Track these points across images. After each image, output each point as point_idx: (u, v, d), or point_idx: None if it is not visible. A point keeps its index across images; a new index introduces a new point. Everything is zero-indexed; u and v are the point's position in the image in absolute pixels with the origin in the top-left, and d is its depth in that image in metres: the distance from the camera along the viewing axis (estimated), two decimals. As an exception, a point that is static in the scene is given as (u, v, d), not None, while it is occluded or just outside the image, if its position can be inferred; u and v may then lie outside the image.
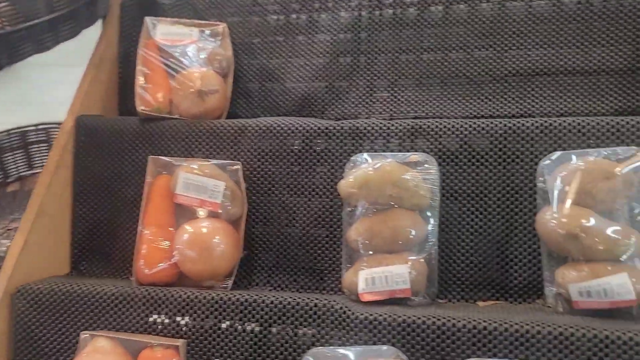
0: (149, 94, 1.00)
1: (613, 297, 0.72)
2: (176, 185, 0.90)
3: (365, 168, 0.85)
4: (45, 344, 0.87)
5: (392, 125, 0.92)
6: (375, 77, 1.07)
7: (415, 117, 1.03)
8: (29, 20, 1.01)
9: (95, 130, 1.03)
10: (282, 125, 0.96)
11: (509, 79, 1.00)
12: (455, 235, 0.87)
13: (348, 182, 0.84)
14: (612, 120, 0.83)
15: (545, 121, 0.86)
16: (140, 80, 1.02)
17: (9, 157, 1.55)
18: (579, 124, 0.84)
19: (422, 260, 0.82)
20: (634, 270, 0.73)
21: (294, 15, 1.13)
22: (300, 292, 0.91)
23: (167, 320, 0.83)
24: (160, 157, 0.94)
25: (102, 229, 1.02)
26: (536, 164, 0.83)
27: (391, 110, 1.05)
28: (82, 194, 1.03)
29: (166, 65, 1.03)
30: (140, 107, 1.00)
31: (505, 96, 1.00)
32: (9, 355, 0.88)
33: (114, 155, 1.02)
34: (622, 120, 0.83)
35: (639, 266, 0.75)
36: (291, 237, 0.94)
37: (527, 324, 0.70)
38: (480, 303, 0.85)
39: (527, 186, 0.85)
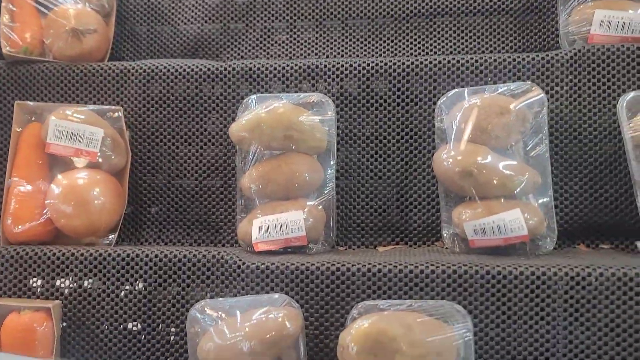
0: (16, 34, 0.89)
1: (507, 234, 0.71)
2: (47, 133, 0.80)
3: (257, 110, 0.79)
4: None
5: (289, 66, 0.86)
6: (273, 19, 1.00)
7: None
8: None
9: (-47, 75, 0.91)
10: (169, 68, 0.88)
11: (411, 19, 0.97)
12: (354, 180, 0.84)
13: (239, 126, 0.78)
14: (508, 57, 0.81)
15: (444, 59, 0.83)
16: (4, 18, 0.89)
17: None
18: (476, 61, 0.82)
19: (320, 206, 0.78)
20: (528, 206, 0.73)
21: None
22: (193, 247, 0.85)
23: (40, 282, 0.75)
24: (28, 102, 0.83)
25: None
26: (435, 103, 0.81)
27: (290, 52, 0.99)
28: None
29: (36, 1, 0.91)
30: (5, 49, 0.88)
31: (407, 37, 0.97)
32: None
33: (-23, 103, 0.90)
34: (519, 56, 0.81)
35: (533, 202, 0.74)
36: (182, 189, 0.87)
37: (421, 264, 0.68)
38: (380, 248, 0.82)
39: (426, 127, 0.83)
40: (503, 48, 0.94)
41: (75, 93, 0.88)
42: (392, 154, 0.83)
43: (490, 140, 0.74)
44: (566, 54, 0.80)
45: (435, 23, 0.96)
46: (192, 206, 0.87)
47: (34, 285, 0.76)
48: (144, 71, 0.88)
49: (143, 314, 0.73)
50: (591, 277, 0.64)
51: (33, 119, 0.83)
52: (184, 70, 0.87)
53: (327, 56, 0.98)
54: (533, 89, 0.75)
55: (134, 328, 0.74)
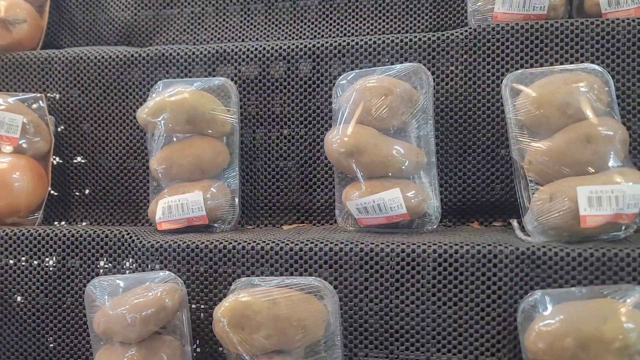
0: (-53, 24, 0.94)
1: (387, 212, 0.73)
2: (-31, 120, 0.86)
3: (163, 95, 0.82)
4: None
5: (198, 50, 0.89)
6: (203, 4, 1.03)
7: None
8: None
9: None
10: (90, 55, 0.92)
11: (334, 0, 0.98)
12: (261, 161, 0.87)
13: (144, 110, 0.82)
14: (405, 37, 0.82)
15: (342, 42, 0.84)
16: None
17: None
18: (374, 42, 0.83)
19: (222, 187, 0.82)
20: (410, 185, 0.74)
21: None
22: (116, 226, 0.90)
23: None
24: (-48, 91, 0.89)
25: None
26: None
27: (218, 36, 1.02)
28: None
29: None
30: None
31: (329, 18, 0.98)
32: None
33: None
34: (415, 36, 0.82)
35: (418, 182, 0.76)
36: (104, 170, 0.92)
37: (301, 242, 0.71)
38: (285, 226, 0.86)
39: (327, 108, 0.85)
40: (419, 27, 0.94)
41: (5, 81, 0.94)
42: (295, 135, 0.86)
43: (375, 122, 0.75)
44: (461, 34, 0.80)
45: (356, 4, 0.97)
46: (114, 187, 0.92)
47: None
48: (66, 58, 0.92)
49: (50, 286, 0.78)
50: (457, 254, 0.66)
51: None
52: (104, 57, 0.91)
53: (251, 39, 1.00)
54: (420, 69, 0.76)
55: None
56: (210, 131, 0.82)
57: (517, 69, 0.78)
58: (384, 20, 0.96)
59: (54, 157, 0.92)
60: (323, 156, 0.85)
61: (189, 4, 1.03)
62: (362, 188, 0.74)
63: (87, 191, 0.93)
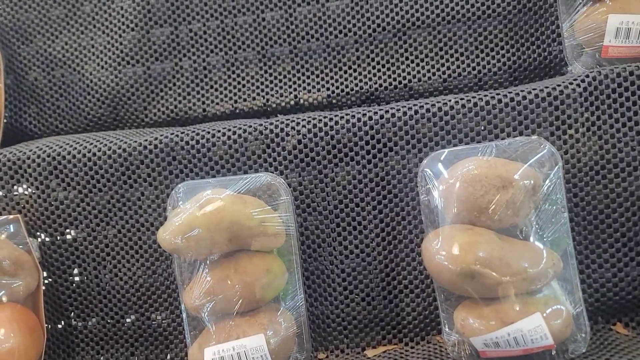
0: None
1: (526, 345, 0.55)
2: None
3: (190, 209, 0.60)
4: None
5: (233, 127, 0.67)
6: (207, 52, 0.80)
7: (265, 106, 0.79)
8: None
9: None
10: (74, 152, 0.69)
11: (376, 37, 0.77)
12: (325, 260, 0.67)
13: (169, 232, 0.60)
14: (505, 95, 0.62)
15: (426, 104, 0.64)
16: None
17: None
18: (468, 101, 0.63)
19: (286, 315, 0.62)
20: (550, 300, 0.56)
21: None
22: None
23: None
24: None
25: None
26: (418, 154, 0.63)
27: (232, 97, 0.80)
28: None
29: None
30: None
31: (372, 59, 0.77)
32: None
33: None
34: (518, 93, 0.62)
35: (556, 288, 0.58)
36: (117, 300, 0.70)
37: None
38: (370, 352, 0.66)
39: (408, 196, 0.65)
40: (494, 65, 0.75)
41: (-38, 197, 0.70)
42: (369, 225, 0.66)
43: (491, 223, 0.56)
44: (578, 86, 0.61)
45: (405, 40, 0.76)
46: (129, 316, 0.70)
47: None
48: (43, 160, 0.69)
49: None
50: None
51: None
52: (94, 152, 0.68)
53: (281, 95, 0.78)
54: (542, 146, 0.57)
55: None
56: (260, 247, 0.61)
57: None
58: (447, 60, 0.75)
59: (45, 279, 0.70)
60: (409, 257, 0.65)
61: (184, 54, 0.80)
62: (491, 320, 0.55)
63: (91, 322, 0.71)
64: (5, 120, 0.75)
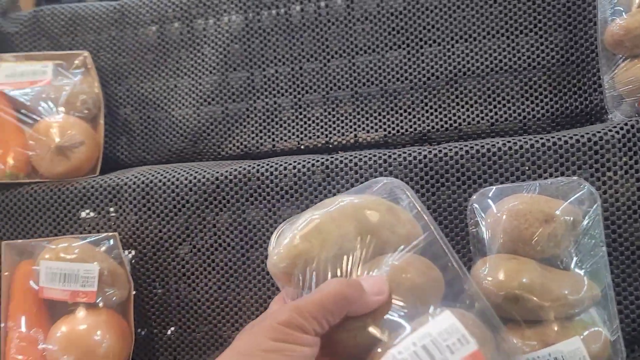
0: (-2, 157, 0.82)
1: (566, 366, 0.61)
2: (39, 278, 0.73)
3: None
4: None
5: (300, 161, 0.76)
6: (276, 95, 0.91)
7: (327, 143, 0.88)
8: None
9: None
10: (163, 180, 0.79)
11: (429, 85, 0.85)
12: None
13: (279, 257, 0.52)
14: (548, 140, 0.70)
15: (473, 146, 0.72)
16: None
17: None
18: (515, 144, 0.70)
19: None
20: (589, 325, 0.62)
21: (173, 25, 0.95)
22: (212, 374, 0.78)
23: None
24: (16, 241, 0.76)
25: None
26: (466, 190, 0.70)
27: (299, 135, 0.90)
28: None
29: (18, 118, 0.83)
30: (-12, 177, 0.82)
31: (424, 105, 0.86)
32: None
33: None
34: (560, 139, 0.69)
35: (595, 315, 0.63)
36: (195, 309, 0.79)
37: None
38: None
39: (457, 227, 0.72)
40: (538, 112, 0.82)
41: (67, 216, 0.81)
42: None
43: (534, 254, 0.63)
44: (617, 133, 0.67)
45: (456, 87, 0.84)
46: (203, 327, 0.79)
47: None
48: (137, 186, 0.80)
49: None
50: None
51: (23, 257, 0.76)
52: (180, 181, 0.79)
53: (342, 134, 0.88)
54: (581, 185, 0.64)
55: None
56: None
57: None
58: (495, 106, 0.83)
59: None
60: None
61: (259, 95, 0.91)
62: (531, 340, 0.61)
63: (170, 330, 0.80)
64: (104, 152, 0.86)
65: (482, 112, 0.83)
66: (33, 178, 0.83)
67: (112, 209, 0.82)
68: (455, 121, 0.84)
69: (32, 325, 0.74)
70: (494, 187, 0.67)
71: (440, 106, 0.85)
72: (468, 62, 0.84)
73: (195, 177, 0.79)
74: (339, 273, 0.51)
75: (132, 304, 0.76)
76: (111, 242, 0.76)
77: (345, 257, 0.51)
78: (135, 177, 0.81)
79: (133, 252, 0.80)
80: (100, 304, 0.74)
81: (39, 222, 0.81)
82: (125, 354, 0.75)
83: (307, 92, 0.90)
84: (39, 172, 0.83)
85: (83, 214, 0.81)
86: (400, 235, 0.54)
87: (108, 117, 0.92)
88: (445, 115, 0.85)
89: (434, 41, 0.85)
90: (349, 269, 0.51)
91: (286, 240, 0.52)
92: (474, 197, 0.67)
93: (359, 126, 0.88)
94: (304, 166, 0.76)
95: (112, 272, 0.74)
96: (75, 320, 0.72)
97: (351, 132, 0.88)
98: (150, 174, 0.81)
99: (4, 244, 0.76)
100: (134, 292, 0.78)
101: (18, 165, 0.82)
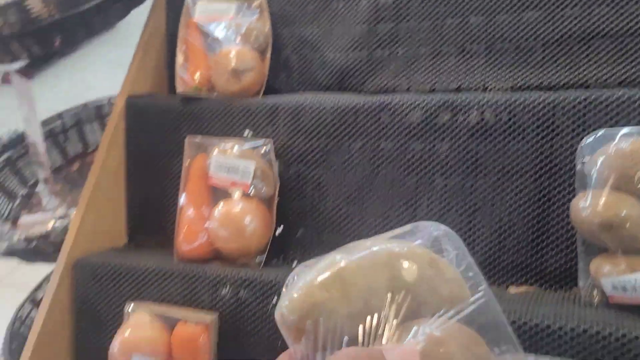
0: (188, 74, 1.03)
1: (650, 293, 0.66)
2: (210, 167, 0.93)
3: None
4: (100, 312, 0.95)
5: (429, 98, 0.88)
6: (417, 45, 1.02)
7: (458, 89, 0.98)
8: (78, 6, 1.05)
9: (142, 111, 1.08)
10: (314, 103, 0.95)
11: (562, 43, 0.91)
12: (486, 216, 0.83)
13: (291, 305, 0.41)
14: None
15: (593, 94, 0.78)
16: (180, 60, 1.04)
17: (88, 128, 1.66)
18: (629, 97, 0.75)
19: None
20: (679, 263, 0.66)
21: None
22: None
23: (205, 294, 0.88)
24: (195, 137, 0.97)
25: (153, 203, 1.08)
26: (579, 142, 0.77)
27: (432, 80, 1.00)
28: (135, 170, 1.10)
29: (205, 44, 1.04)
30: (179, 88, 1.03)
31: (556, 63, 0.92)
32: (70, 322, 0.98)
33: (160, 134, 1.07)
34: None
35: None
36: (325, 214, 0.94)
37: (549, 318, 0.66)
38: (512, 289, 0.81)
39: (567, 166, 0.79)
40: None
41: (234, 125, 1.00)
42: (529, 192, 0.81)
43: (636, 190, 0.68)
44: None
45: (589, 47, 0.89)
46: (332, 230, 0.94)
47: (198, 295, 0.90)
48: (292, 105, 0.96)
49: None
50: None
51: (199, 151, 0.96)
52: (327, 104, 0.94)
53: (469, 84, 0.97)
54: (692, 132, 0.68)
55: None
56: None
57: None
58: (626, 67, 0.87)
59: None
60: (560, 217, 0.79)
61: (401, 45, 1.03)
62: (621, 265, 0.67)
63: (306, 232, 0.96)
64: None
65: (610, 71, 0.88)
66: (211, 93, 1.03)
67: (268, 127, 0.99)
68: (582, 77, 0.89)
69: (202, 204, 0.94)
70: (603, 130, 0.73)
71: (569, 63, 0.91)
72: (603, 22, 0.88)
73: (336, 104, 0.93)
74: (360, 335, 0.40)
75: (276, 200, 0.93)
76: (266, 148, 0.93)
77: (369, 317, 0.40)
78: (289, 100, 0.97)
79: (277, 163, 0.97)
80: (252, 194, 0.91)
81: (214, 127, 1.01)
82: (265, 239, 0.92)
83: (445, 43, 1.00)
84: (216, 89, 1.03)
85: (247, 126, 1.00)
86: (442, 296, 0.42)
87: (273, 54, 1.10)
88: (573, 72, 0.90)
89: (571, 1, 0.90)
90: (372, 332, 0.40)
91: (300, 288, 0.41)
92: (585, 139, 0.74)
93: (489, 76, 0.96)
94: (432, 103, 0.87)
95: (263, 171, 0.92)
96: (232, 203, 0.91)
97: (481, 82, 0.97)
98: (301, 98, 0.97)
99: (187, 139, 0.96)
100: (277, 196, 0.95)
101: (202, 82, 1.03)
